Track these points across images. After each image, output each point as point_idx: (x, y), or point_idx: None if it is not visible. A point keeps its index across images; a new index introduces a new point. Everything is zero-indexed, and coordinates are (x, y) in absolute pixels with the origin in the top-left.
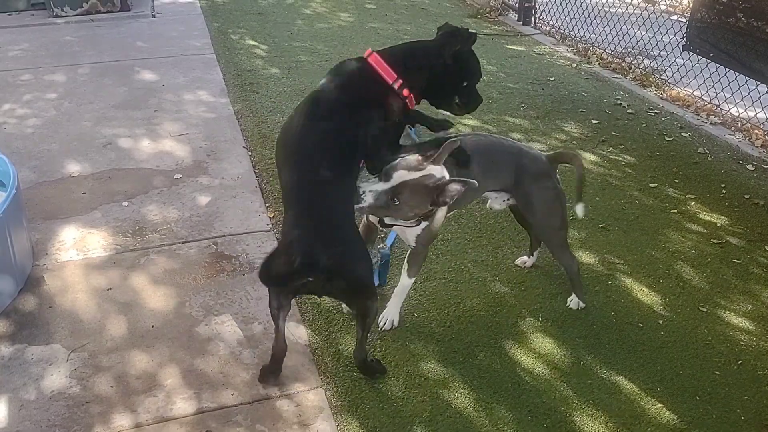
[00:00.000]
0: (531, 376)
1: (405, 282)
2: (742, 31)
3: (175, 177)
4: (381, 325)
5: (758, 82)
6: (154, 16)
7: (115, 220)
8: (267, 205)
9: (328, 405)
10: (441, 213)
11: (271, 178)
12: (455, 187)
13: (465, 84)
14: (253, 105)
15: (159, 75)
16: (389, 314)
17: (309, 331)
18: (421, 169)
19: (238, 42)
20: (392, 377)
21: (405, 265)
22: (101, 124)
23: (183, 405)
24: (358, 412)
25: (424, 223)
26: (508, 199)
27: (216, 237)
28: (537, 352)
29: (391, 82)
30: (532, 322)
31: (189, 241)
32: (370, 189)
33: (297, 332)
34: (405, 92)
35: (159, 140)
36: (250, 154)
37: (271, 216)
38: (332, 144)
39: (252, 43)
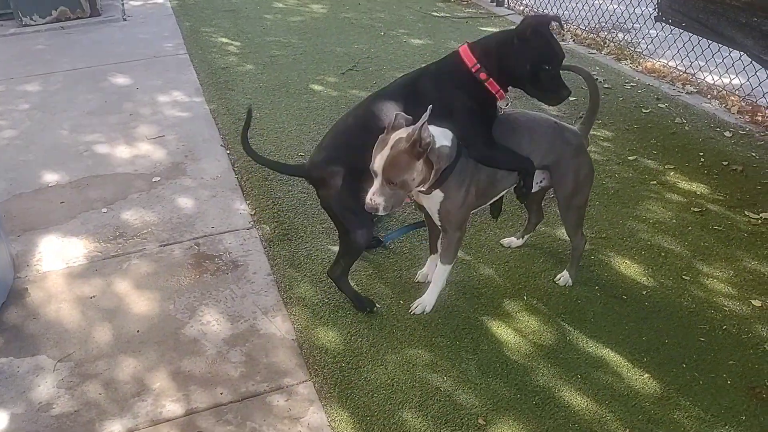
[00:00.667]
0: (519, 355)
1: (440, 269)
2: None
3: (153, 180)
4: (413, 308)
5: (731, 49)
6: (124, 19)
7: (95, 227)
8: (248, 202)
9: (318, 397)
10: (457, 187)
11: (250, 175)
12: (426, 133)
13: (547, 68)
14: (229, 103)
15: (133, 78)
16: (425, 300)
17: (296, 326)
18: (387, 142)
19: (210, 40)
20: (380, 365)
21: (439, 250)
22: (77, 132)
23: (173, 407)
24: (348, 402)
25: (439, 195)
26: (541, 181)
27: (198, 237)
28: (523, 330)
29: (470, 65)
30: (517, 302)
31: (171, 244)
32: (371, 193)
33: (283, 327)
34: (482, 75)
35: (136, 144)
36: (228, 152)
37: (252, 213)
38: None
39: (225, 40)
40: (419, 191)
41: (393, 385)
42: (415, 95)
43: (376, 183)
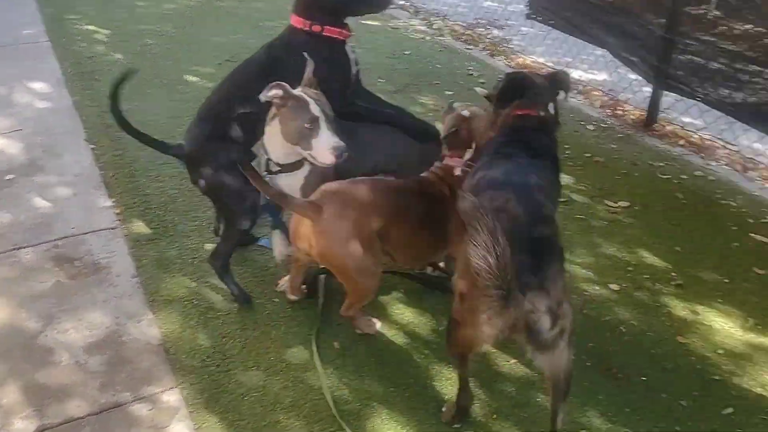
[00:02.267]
0: (393, 350)
1: None
2: None
3: (6, 178)
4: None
5: (595, 47)
6: None
7: None
8: (113, 199)
9: (185, 404)
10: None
11: (116, 171)
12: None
13: None
14: (95, 94)
15: None
16: None
17: (163, 330)
18: None
19: (76, 28)
20: (252, 367)
21: None
22: None
23: (22, 424)
24: (217, 407)
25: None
26: None
27: (57, 239)
28: (398, 323)
29: (302, 27)
30: (394, 294)
31: (25, 247)
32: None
33: (149, 332)
34: (316, 28)
35: None
36: (92, 147)
37: (118, 212)
38: None
39: (92, 28)
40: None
41: (265, 386)
42: (272, 66)
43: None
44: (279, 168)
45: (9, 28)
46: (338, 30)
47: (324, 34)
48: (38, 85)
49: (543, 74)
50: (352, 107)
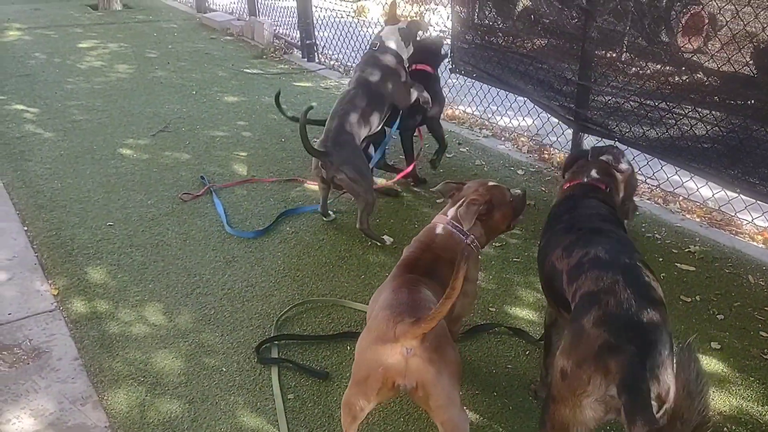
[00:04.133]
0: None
1: None
2: (500, 48)
3: None
4: None
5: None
6: None
7: None
8: (50, 281)
9: None
10: None
11: (52, 252)
12: None
13: None
14: (26, 174)
15: None
16: None
17: (109, 412)
18: None
19: (3, 108)
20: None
21: None
22: None
23: None
24: None
25: None
26: None
27: None
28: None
29: None
30: (341, 353)
31: None
32: None
33: (95, 415)
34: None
35: None
36: (26, 229)
37: (56, 293)
38: None
39: (20, 107)
40: None
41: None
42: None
43: None
44: None
45: None
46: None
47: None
48: None
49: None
50: None
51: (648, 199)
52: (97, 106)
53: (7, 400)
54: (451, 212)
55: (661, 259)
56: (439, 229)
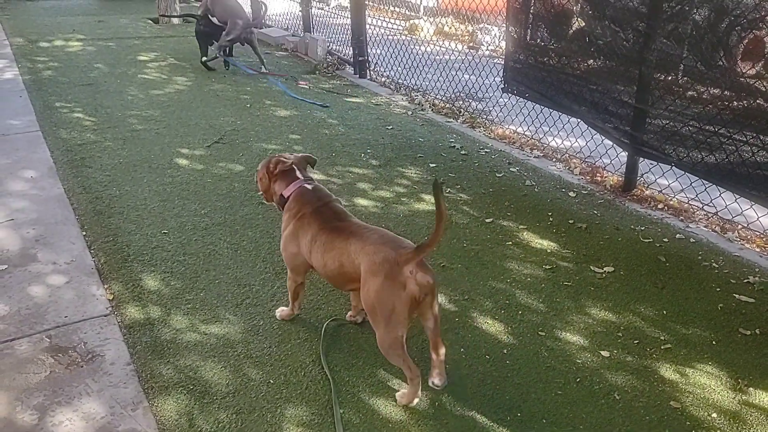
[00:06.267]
0: (391, 426)
1: None
2: (553, 69)
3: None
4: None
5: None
6: None
7: None
8: (105, 286)
9: None
10: None
11: (108, 257)
12: None
13: None
14: (86, 181)
15: None
16: None
17: (158, 418)
18: None
19: (66, 116)
20: None
21: None
22: None
23: None
24: None
25: None
26: None
27: (49, 329)
28: (395, 399)
29: None
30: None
31: (18, 338)
32: None
33: (144, 421)
34: None
35: None
36: (84, 234)
37: (110, 298)
38: None
39: (82, 116)
40: None
41: None
42: None
43: None
44: None
45: (1, 117)
46: None
47: None
48: (30, 174)
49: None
50: None
51: (705, 227)
52: (155, 116)
53: (61, 402)
54: (299, 175)
55: (718, 290)
56: (309, 186)
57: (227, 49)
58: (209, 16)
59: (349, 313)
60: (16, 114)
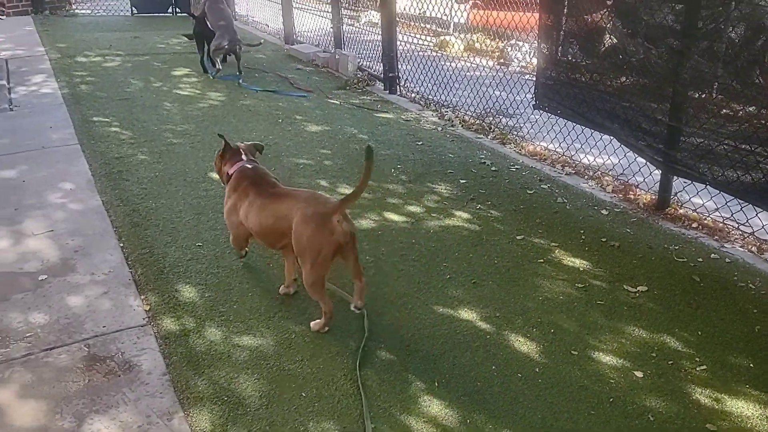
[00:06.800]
0: None
1: None
2: (585, 86)
3: (40, 278)
4: None
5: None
6: (11, 109)
7: None
8: (142, 297)
9: None
10: None
11: (145, 269)
12: None
13: None
14: (123, 193)
15: (18, 171)
16: None
17: (193, 428)
18: None
19: (104, 129)
20: None
21: None
22: None
23: None
24: None
25: None
26: None
27: (88, 338)
28: (426, 415)
29: None
30: (419, 386)
31: (58, 347)
32: None
33: (180, 430)
34: None
35: (21, 240)
36: (121, 245)
37: (147, 308)
38: None
39: (119, 129)
40: None
41: None
42: None
43: None
44: None
45: (41, 131)
46: None
47: None
48: (68, 187)
49: None
50: None
51: (741, 247)
52: (189, 130)
53: (99, 410)
54: (244, 158)
55: (755, 311)
56: (249, 166)
57: (218, 59)
58: (205, 20)
59: (282, 286)
60: (55, 128)
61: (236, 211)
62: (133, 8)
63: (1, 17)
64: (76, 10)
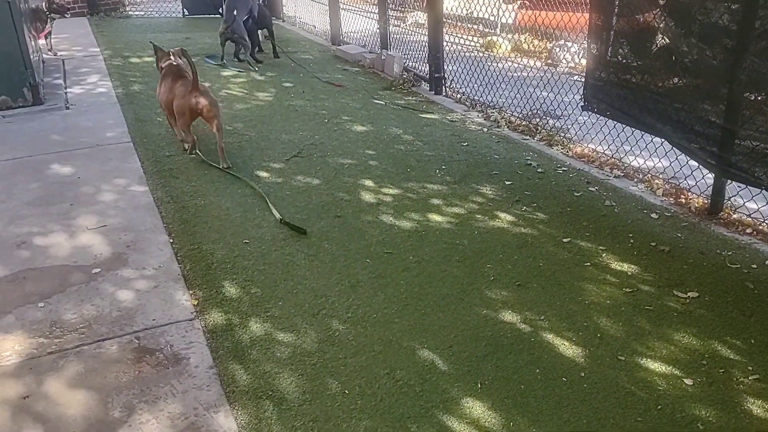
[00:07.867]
0: None
1: None
2: (636, 87)
3: (93, 272)
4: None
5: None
6: (68, 108)
7: (30, 323)
8: (191, 292)
9: None
10: None
11: (194, 264)
12: None
13: None
14: (174, 191)
15: (74, 167)
16: None
17: (239, 421)
18: None
19: (155, 128)
20: None
21: None
22: (14, 224)
23: None
24: None
25: None
26: None
27: (138, 331)
28: (469, 417)
29: None
30: (461, 387)
31: (109, 338)
32: None
33: (226, 423)
34: None
35: (76, 235)
36: (171, 241)
37: (195, 303)
38: None
39: (170, 129)
40: None
41: None
42: None
43: None
44: None
45: (96, 130)
46: None
47: None
48: (121, 183)
49: None
50: None
51: None
52: (237, 129)
53: (148, 401)
54: (172, 59)
55: None
56: (174, 63)
57: (224, 46)
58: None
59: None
60: (110, 126)
61: (160, 89)
62: (185, 10)
63: (65, 15)
64: (129, 12)
